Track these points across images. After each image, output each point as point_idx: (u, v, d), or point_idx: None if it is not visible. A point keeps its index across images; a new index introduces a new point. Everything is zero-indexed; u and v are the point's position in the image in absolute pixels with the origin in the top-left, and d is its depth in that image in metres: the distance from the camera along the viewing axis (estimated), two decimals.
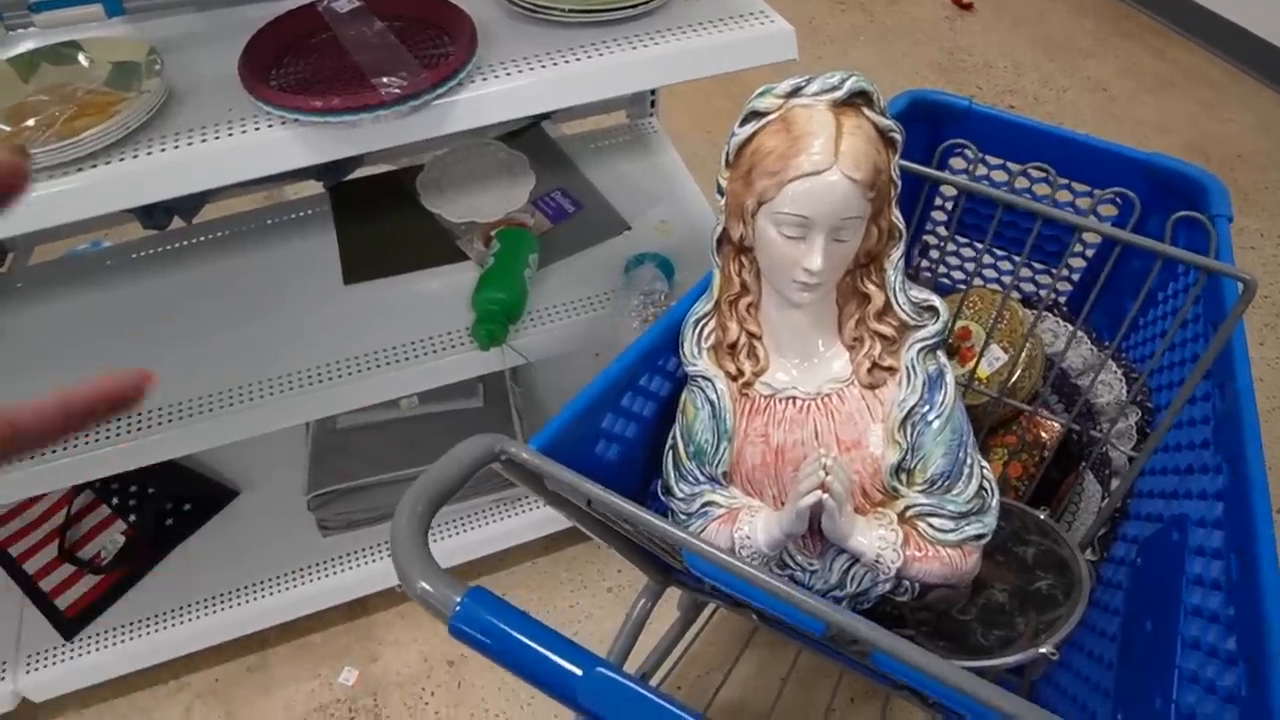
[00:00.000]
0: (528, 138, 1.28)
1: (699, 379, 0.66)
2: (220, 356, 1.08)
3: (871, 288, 0.62)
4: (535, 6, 0.89)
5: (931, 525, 0.61)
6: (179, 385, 1.04)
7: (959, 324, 0.87)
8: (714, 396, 0.65)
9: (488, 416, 1.29)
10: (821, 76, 0.58)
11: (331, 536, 1.26)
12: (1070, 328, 0.87)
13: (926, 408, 0.61)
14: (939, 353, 0.62)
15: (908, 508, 0.61)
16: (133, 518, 1.27)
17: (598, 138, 1.34)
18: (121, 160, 0.78)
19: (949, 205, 1.02)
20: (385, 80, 0.80)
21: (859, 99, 0.58)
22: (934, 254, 1.08)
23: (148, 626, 1.19)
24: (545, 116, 1.33)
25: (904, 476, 0.61)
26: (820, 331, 0.63)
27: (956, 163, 0.99)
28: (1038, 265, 1.00)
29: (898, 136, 0.60)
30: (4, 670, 1.14)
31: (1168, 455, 0.76)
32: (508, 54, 0.88)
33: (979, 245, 1.02)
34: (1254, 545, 0.57)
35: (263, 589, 1.22)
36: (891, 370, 0.62)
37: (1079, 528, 0.81)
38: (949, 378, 0.62)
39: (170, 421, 1.00)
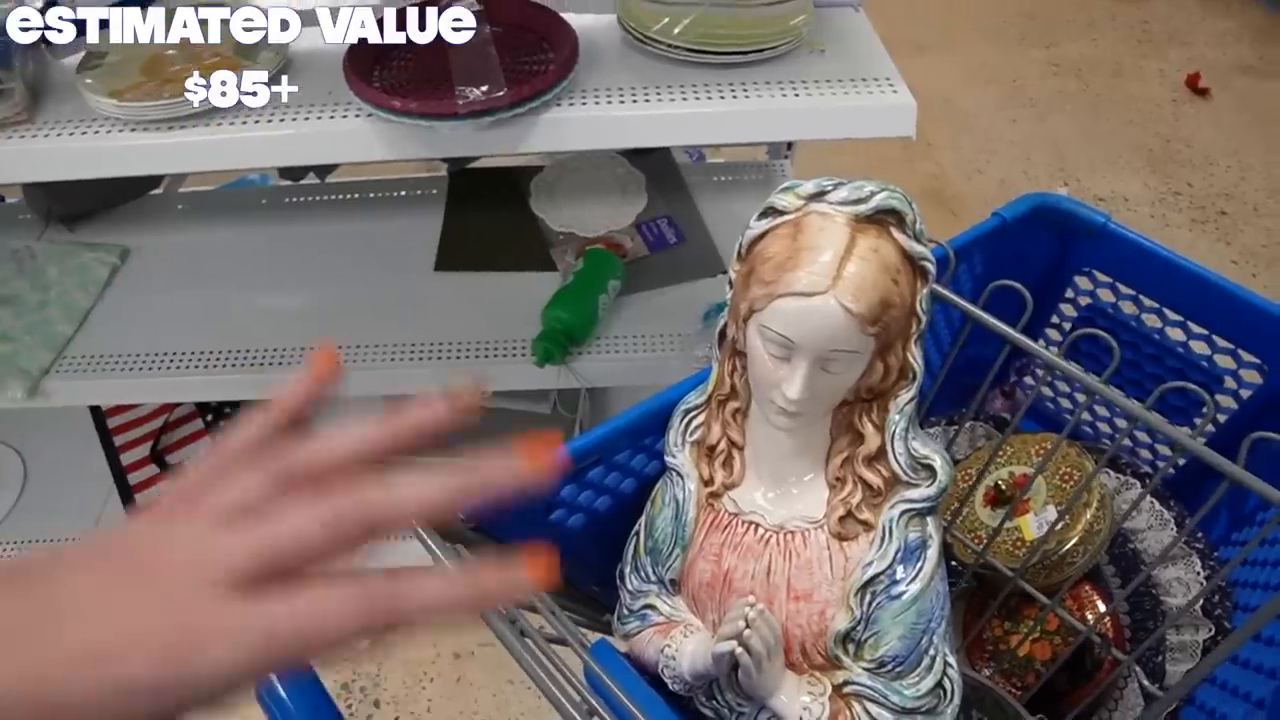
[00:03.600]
0: (652, 157, 1.25)
1: (674, 473, 0.61)
2: (313, 313, 1.14)
3: (869, 428, 0.54)
4: (644, 37, 0.85)
5: (868, 711, 0.53)
6: (280, 332, 1.10)
7: (1019, 470, 0.75)
8: (681, 497, 0.60)
9: (551, 425, 1.28)
10: (853, 183, 0.51)
11: None
12: (1157, 505, 0.74)
13: (894, 580, 0.53)
14: (928, 520, 0.54)
15: (847, 682, 0.54)
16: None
17: (724, 170, 1.29)
18: (219, 125, 0.82)
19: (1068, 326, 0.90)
20: (468, 91, 0.79)
21: (888, 217, 0.51)
22: (1040, 373, 0.95)
23: None
24: None
25: (851, 648, 0.54)
26: (805, 460, 0.56)
27: (1084, 282, 0.87)
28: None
29: (929, 266, 0.52)
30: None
31: (1221, 695, 0.62)
32: (605, 81, 0.85)
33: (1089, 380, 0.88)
34: None
35: None
36: (867, 526, 0.54)
37: None
38: (931, 552, 0.53)
39: (270, 364, 1.07)
